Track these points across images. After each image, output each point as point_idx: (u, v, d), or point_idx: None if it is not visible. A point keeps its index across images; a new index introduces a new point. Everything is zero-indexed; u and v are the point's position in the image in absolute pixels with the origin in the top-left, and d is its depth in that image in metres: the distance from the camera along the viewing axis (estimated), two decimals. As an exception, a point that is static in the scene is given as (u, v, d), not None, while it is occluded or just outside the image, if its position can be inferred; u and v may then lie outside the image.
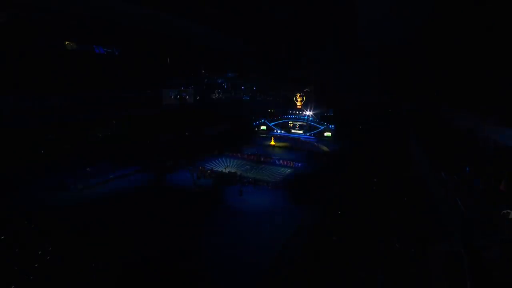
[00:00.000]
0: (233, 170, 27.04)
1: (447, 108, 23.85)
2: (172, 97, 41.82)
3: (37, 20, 24.68)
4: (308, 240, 15.33)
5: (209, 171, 26.94)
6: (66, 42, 28.91)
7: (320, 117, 47.02)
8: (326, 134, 44.56)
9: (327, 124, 44.76)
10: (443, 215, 13.84)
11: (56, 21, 25.91)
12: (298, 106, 48.31)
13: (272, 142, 40.71)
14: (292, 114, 48.06)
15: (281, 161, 31.18)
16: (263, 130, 48.74)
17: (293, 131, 47.37)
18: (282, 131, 47.81)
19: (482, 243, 8.70)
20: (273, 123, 48.63)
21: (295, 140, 44.34)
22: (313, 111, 46.29)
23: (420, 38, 27.89)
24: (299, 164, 30.08)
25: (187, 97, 44.76)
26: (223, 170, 26.88)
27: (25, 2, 22.30)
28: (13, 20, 23.13)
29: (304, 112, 47.16)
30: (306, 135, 45.99)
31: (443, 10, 20.89)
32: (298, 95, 49.10)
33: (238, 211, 19.24)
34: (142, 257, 13.35)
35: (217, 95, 54.24)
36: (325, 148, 38.77)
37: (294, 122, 47.59)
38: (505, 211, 8.82)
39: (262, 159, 31.68)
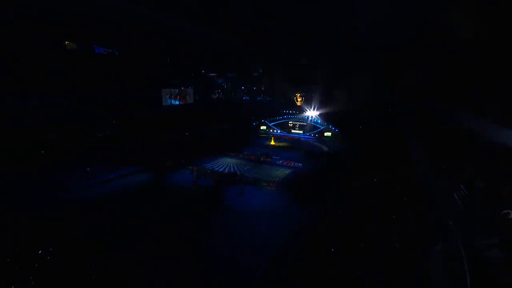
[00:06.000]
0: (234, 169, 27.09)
1: (447, 108, 23.85)
2: (172, 97, 41.85)
3: (37, 20, 24.69)
4: (308, 240, 15.35)
5: (209, 171, 26.97)
6: (66, 42, 28.91)
7: (319, 117, 47.10)
8: (326, 134, 44.64)
9: (327, 124, 44.83)
10: (443, 215, 13.84)
11: (56, 21, 25.92)
12: (299, 105, 48.45)
13: (272, 142, 40.74)
14: (292, 114, 48.11)
15: (281, 161, 31.20)
16: (263, 130, 48.78)
17: (293, 131, 47.42)
18: (282, 131, 47.88)
19: (482, 243, 8.71)
20: (273, 123, 48.67)
21: (295, 140, 44.40)
22: (313, 110, 46.35)
23: (419, 37, 27.91)
24: (299, 164, 30.11)
25: (187, 97, 44.80)
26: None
27: (25, 2, 22.31)
28: (13, 20, 23.14)
29: (304, 112, 47.23)
30: (306, 135, 46.05)
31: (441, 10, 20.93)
32: (298, 95, 49.17)
33: (238, 211, 19.26)
34: (142, 256, 13.37)
35: (217, 95, 54.29)
36: (325, 148, 38.82)
37: (294, 122, 47.65)
38: (505, 211, 8.83)
39: (262, 159, 31.69)
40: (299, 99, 49.13)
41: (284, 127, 48.19)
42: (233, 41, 39.06)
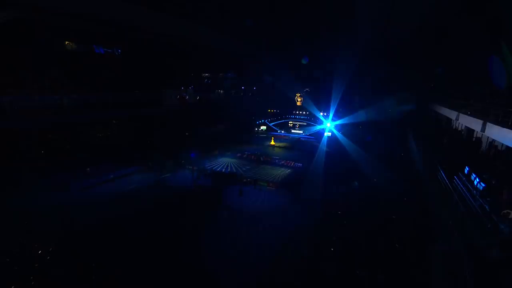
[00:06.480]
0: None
1: (447, 108, 23.85)
2: (172, 97, 41.82)
3: (37, 20, 24.69)
4: (308, 240, 15.36)
5: (209, 171, 26.99)
6: (66, 42, 28.90)
7: (320, 117, 47.12)
8: (326, 134, 44.63)
9: (326, 124, 44.86)
10: (443, 215, 13.84)
11: (56, 21, 25.92)
12: (298, 105, 48.53)
13: (272, 142, 40.76)
14: (292, 114, 48.20)
15: (281, 161, 31.22)
16: (263, 130, 48.82)
17: (293, 131, 47.47)
18: (282, 131, 47.91)
19: (482, 243, 8.70)
20: (273, 123, 48.70)
21: (295, 140, 44.43)
22: (313, 111, 46.40)
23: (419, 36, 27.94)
24: (299, 164, 30.13)
25: (187, 97, 44.78)
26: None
27: (26, 2, 22.31)
28: (13, 20, 23.14)
29: (304, 112, 47.30)
30: (306, 135, 46.07)
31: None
32: (298, 95, 49.22)
33: (238, 211, 19.27)
34: (142, 257, 13.36)
35: (217, 95, 54.27)
36: (325, 148, 38.81)
37: (294, 122, 47.71)
38: (505, 211, 8.82)
39: (262, 159, 31.70)
40: (299, 99, 49.17)
41: (284, 127, 48.24)
42: (233, 41, 39.09)
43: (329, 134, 44.20)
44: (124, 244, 14.25)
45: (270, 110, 51.75)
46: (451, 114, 20.60)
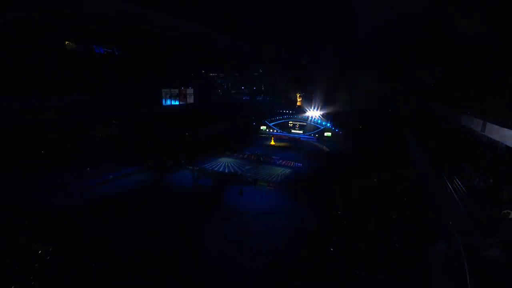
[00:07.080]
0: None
1: (447, 108, 23.84)
2: (172, 97, 41.78)
3: (37, 20, 24.69)
4: (308, 240, 15.36)
5: (209, 171, 27.00)
6: (66, 42, 28.89)
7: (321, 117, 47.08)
8: (326, 134, 44.61)
9: (326, 123, 44.84)
10: (443, 215, 13.83)
11: (56, 21, 25.92)
12: (298, 105, 48.50)
13: (272, 142, 40.76)
14: (292, 114, 48.19)
15: (281, 161, 31.22)
16: (263, 130, 48.81)
17: (293, 131, 47.46)
18: (282, 131, 47.91)
19: (482, 243, 8.70)
20: (273, 123, 48.69)
21: (295, 140, 44.43)
22: (314, 110, 46.36)
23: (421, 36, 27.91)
24: (299, 164, 30.12)
25: (187, 97, 44.75)
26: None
27: (25, 2, 22.32)
28: (13, 20, 23.14)
29: (304, 112, 47.25)
30: (306, 135, 46.07)
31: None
32: (298, 94, 49.21)
33: (238, 211, 19.27)
34: (143, 257, 13.36)
35: (217, 95, 54.27)
36: (325, 148, 38.83)
37: (294, 122, 47.71)
38: (505, 211, 8.83)
39: (262, 159, 31.71)
40: (298, 99, 49.16)
41: (284, 127, 48.24)
42: (234, 41, 39.06)
43: (329, 134, 44.21)
44: (124, 244, 14.25)
45: (271, 110, 51.75)
46: (452, 114, 20.58)
